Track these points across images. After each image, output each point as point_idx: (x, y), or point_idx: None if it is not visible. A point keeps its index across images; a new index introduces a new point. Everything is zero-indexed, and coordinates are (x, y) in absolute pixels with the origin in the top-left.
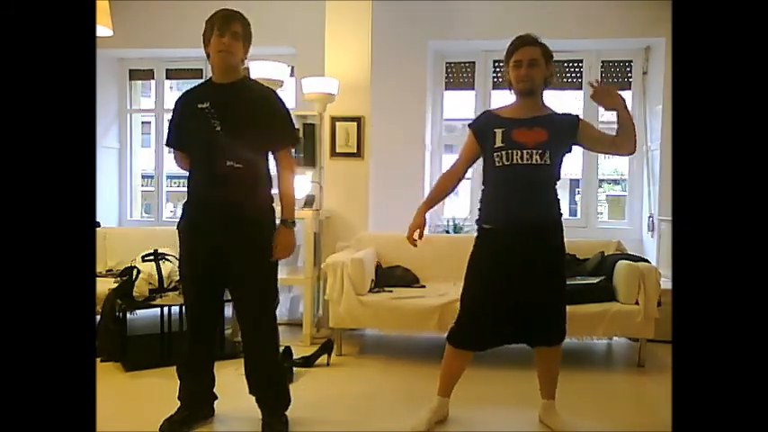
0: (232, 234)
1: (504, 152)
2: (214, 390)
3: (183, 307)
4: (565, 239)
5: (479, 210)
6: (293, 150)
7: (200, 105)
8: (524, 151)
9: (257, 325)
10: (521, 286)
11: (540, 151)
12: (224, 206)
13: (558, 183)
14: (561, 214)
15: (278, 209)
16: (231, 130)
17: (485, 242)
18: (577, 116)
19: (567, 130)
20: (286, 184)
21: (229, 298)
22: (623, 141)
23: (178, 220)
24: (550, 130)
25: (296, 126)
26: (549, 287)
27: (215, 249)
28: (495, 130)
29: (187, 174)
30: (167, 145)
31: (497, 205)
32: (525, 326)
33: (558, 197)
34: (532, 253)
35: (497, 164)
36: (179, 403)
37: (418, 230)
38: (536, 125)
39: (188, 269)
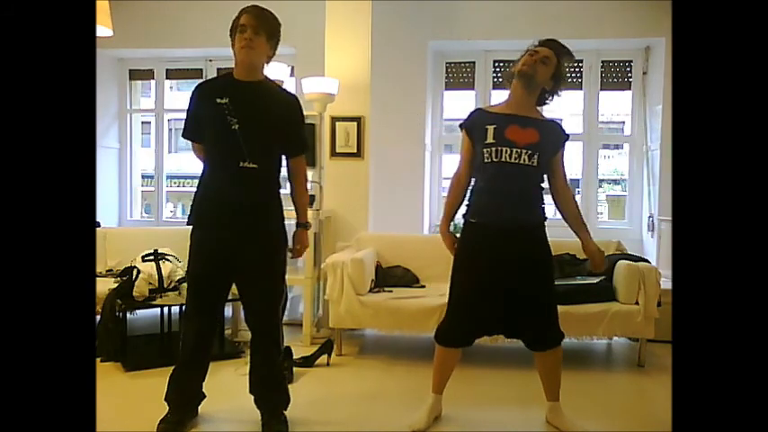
0: (243, 234)
1: (494, 148)
2: (202, 390)
3: (186, 302)
4: (549, 240)
5: (468, 204)
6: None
7: (218, 100)
8: (514, 150)
9: (265, 324)
10: (503, 281)
11: (529, 152)
12: (237, 205)
13: (542, 186)
14: (545, 217)
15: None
16: (248, 130)
17: (470, 237)
18: (568, 136)
19: (555, 143)
20: (300, 188)
21: (230, 298)
22: (565, 211)
23: (188, 215)
24: (543, 134)
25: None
26: (534, 285)
27: (225, 247)
28: (488, 127)
29: (200, 169)
30: (184, 137)
31: (483, 201)
32: (514, 323)
33: (543, 200)
34: (514, 249)
35: (486, 160)
36: (168, 406)
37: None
38: (530, 125)
39: (196, 265)
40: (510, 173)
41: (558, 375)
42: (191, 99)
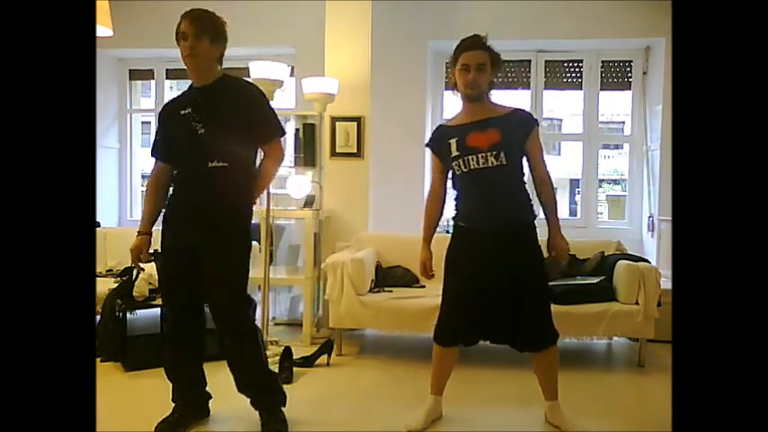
0: (209, 233)
1: (460, 160)
2: (207, 389)
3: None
4: (538, 239)
5: (455, 207)
6: (281, 140)
7: (182, 112)
8: (479, 155)
9: (234, 326)
10: (496, 284)
11: (494, 152)
12: (206, 206)
13: (524, 181)
14: (534, 215)
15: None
16: (214, 131)
17: (459, 239)
18: (535, 121)
19: (521, 133)
20: (269, 166)
21: None
22: (542, 196)
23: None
24: (504, 131)
25: (278, 118)
26: (526, 287)
27: (192, 248)
28: (449, 141)
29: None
30: (153, 155)
31: (467, 206)
32: (509, 326)
33: (529, 197)
34: (502, 252)
35: (457, 172)
36: (174, 405)
37: (427, 263)
38: (490, 126)
39: (166, 268)
40: (484, 178)
41: (556, 374)
42: (159, 120)
